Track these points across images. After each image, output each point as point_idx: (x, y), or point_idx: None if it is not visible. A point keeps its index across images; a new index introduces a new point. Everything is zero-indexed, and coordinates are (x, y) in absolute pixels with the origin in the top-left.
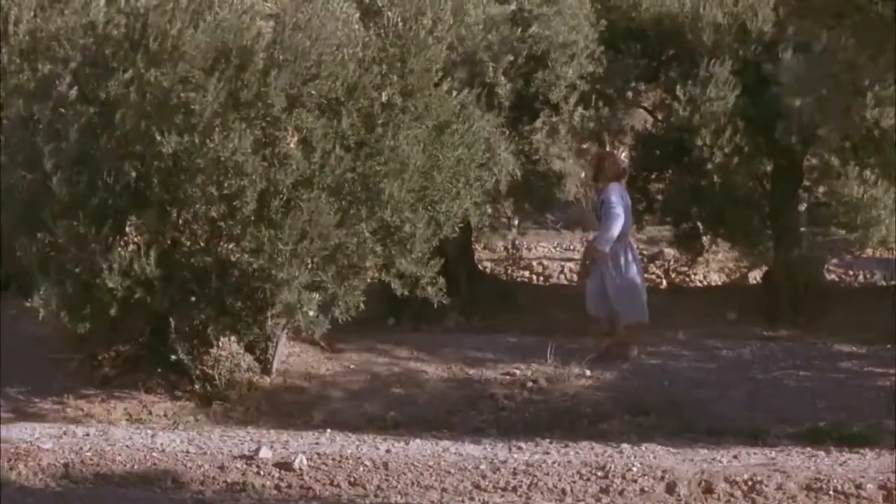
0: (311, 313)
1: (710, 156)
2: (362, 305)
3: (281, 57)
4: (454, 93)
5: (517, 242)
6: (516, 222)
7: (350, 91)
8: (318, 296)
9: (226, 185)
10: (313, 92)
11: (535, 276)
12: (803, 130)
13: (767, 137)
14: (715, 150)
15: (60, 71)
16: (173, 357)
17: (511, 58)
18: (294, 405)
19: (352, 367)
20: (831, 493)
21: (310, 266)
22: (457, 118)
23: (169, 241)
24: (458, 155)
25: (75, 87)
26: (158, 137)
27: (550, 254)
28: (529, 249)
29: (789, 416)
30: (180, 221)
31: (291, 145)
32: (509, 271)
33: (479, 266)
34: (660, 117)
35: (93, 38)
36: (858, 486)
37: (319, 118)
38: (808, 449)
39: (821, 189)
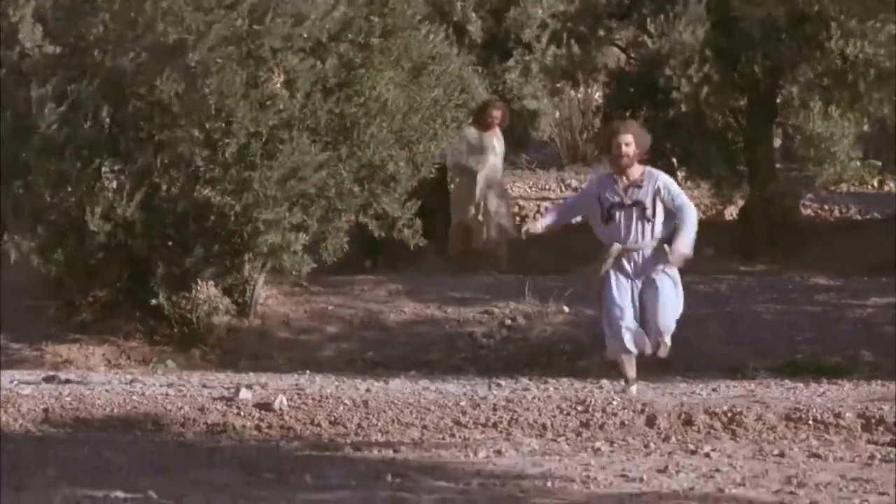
0: (296, 254)
1: (679, 85)
2: (346, 246)
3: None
4: (431, 35)
5: None
6: None
7: (337, 33)
8: (304, 235)
9: (209, 127)
10: (305, 34)
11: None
12: (767, 60)
13: (740, 72)
14: (682, 80)
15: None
16: (152, 301)
17: None
18: (273, 348)
19: (329, 308)
20: (811, 422)
21: (295, 207)
22: (433, 60)
23: (148, 185)
24: (435, 96)
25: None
26: (157, 82)
27: (526, 194)
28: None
29: (767, 349)
30: (160, 165)
31: (278, 86)
32: None
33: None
34: (633, 55)
35: None
36: (837, 416)
37: (305, 59)
38: (787, 381)
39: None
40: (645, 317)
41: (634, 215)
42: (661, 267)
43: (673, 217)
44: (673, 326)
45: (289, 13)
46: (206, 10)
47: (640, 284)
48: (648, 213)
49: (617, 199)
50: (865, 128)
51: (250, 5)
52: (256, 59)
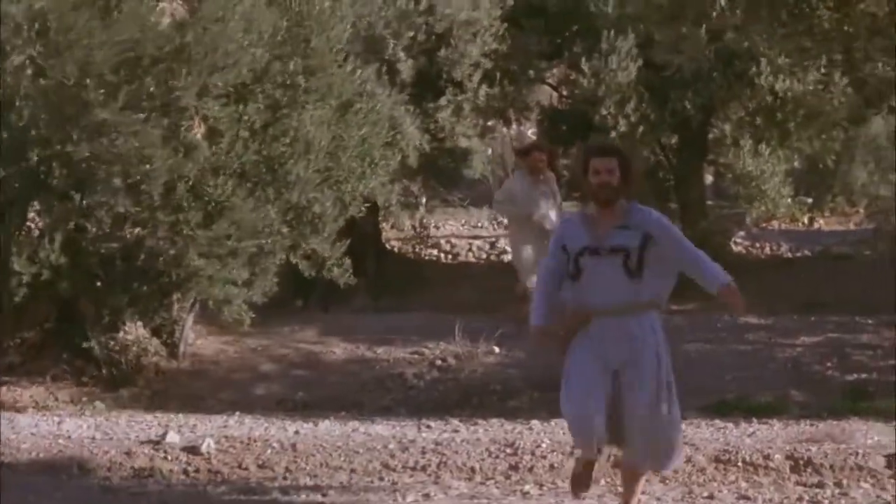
0: (239, 307)
1: (615, 125)
2: (275, 287)
3: (190, 53)
4: (357, 72)
5: (425, 221)
6: (424, 201)
7: (258, 77)
8: (243, 289)
9: (131, 172)
10: (220, 84)
11: (443, 255)
12: (698, 97)
13: (672, 110)
14: (620, 119)
15: None
16: (80, 343)
17: (411, 34)
18: (202, 388)
19: (259, 349)
20: (740, 464)
21: (225, 254)
22: (360, 97)
23: (73, 226)
24: (363, 134)
25: None
26: (68, 147)
27: (459, 231)
28: (438, 228)
29: (697, 389)
30: (84, 206)
31: (199, 136)
32: (418, 250)
33: (388, 245)
34: (565, 92)
35: None
36: (766, 457)
37: (226, 106)
38: (717, 421)
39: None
40: (623, 425)
41: (614, 267)
42: (651, 347)
43: (668, 274)
44: (678, 456)
45: (204, 64)
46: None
47: (619, 376)
48: (633, 263)
49: (589, 242)
50: (796, 164)
51: (167, 65)
52: (174, 109)
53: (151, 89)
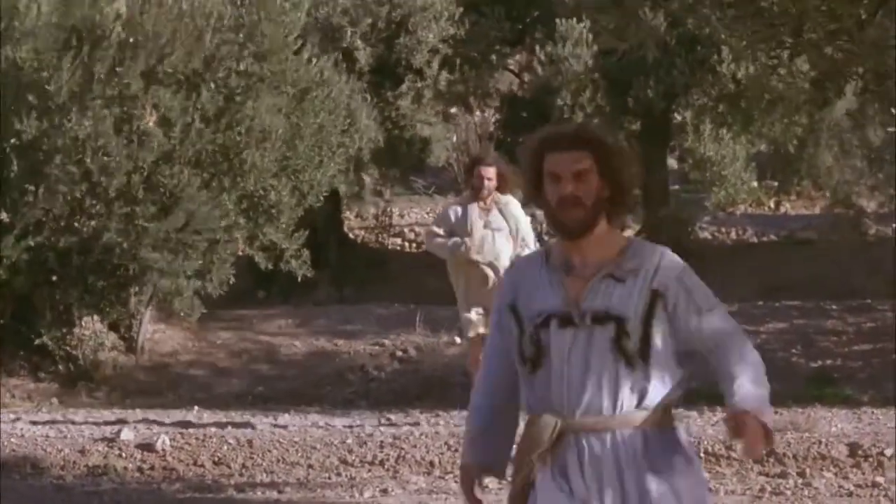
0: (188, 299)
1: (572, 115)
2: (232, 279)
3: (134, 39)
4: (313, 60)
5: (388, 210)
6: (386, 189)
7: (208, 63)
8: (194, 281)
9: (88, 163)
10: (169, 70)
11: (407, 244)
12: (660, 84)
13: (634, 97)
14: (576, 109)
15: None
16: (36, 339)
17: (370, 21)
18: (160, 384)
19: (219, 342)
20: (702, 455)
21: (178, 245)
22: (316, 85)
23: (30, 221)
24: (320, 122)
25: None
26: (17, 124)
27: (423, 220)
28: (402, 216)
29: None
30: (40, 200)
31: (151, 124)
32: (381, 239)
33: (350, 235)
34: (526, 79)
35: None
36: (729, 447)
37: (177, 93)
38: (681, 409)
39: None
40: None
41: (599, 348)
42: (660, 476)
43: (686, 360)
44: None
45: (151, 51)
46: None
47: None
48: (633, 342)
49: (555, 305)
50: (762, 147)
51: (114, 52)
52: (124, 97)
53: (101, 76)
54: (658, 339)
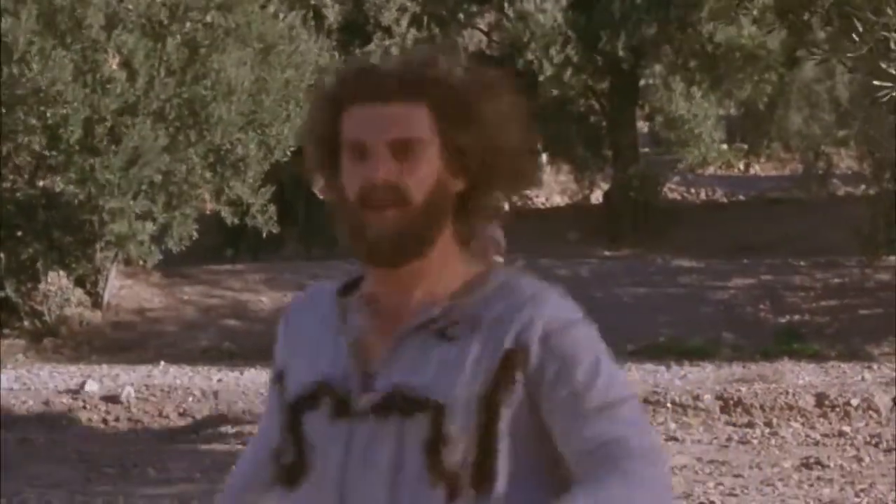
0: (143, 243)
1: (540, 69)
2: (195, 234)
3: None
4: (280, 15)
5: None
6: None
7: (173, 13)
8: (150, 224)
9: (48, 114)
10: (130, 7)
11: None
12: (630, 39)
13: (602, 53)
14: (545, 63)
15: None
16: (0, 294)
17: None
18: (127, 339)
19: (186, 298)
20: (669, 405)
21: (140, 195)
22: (283, 40)
23: None
24: (287, 77)
25: None
26: None
27: None
28: None
29: (630, 332)
30: (2, 154)
31: (114, 66)
32: None
33: (318, 192)
34: (495, 37)
35: None
36: (696, 398)
37: (141, 39)
38: (648, 364)
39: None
40: None
41: (395, 459)
42: None
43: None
44: None
45: None
46: None
47: None
48: (458, 454)
49: (330, 374)
50: (732, 111)
51: None
52: (85, 40)
53: (62, 20)
54: (508, 445)
